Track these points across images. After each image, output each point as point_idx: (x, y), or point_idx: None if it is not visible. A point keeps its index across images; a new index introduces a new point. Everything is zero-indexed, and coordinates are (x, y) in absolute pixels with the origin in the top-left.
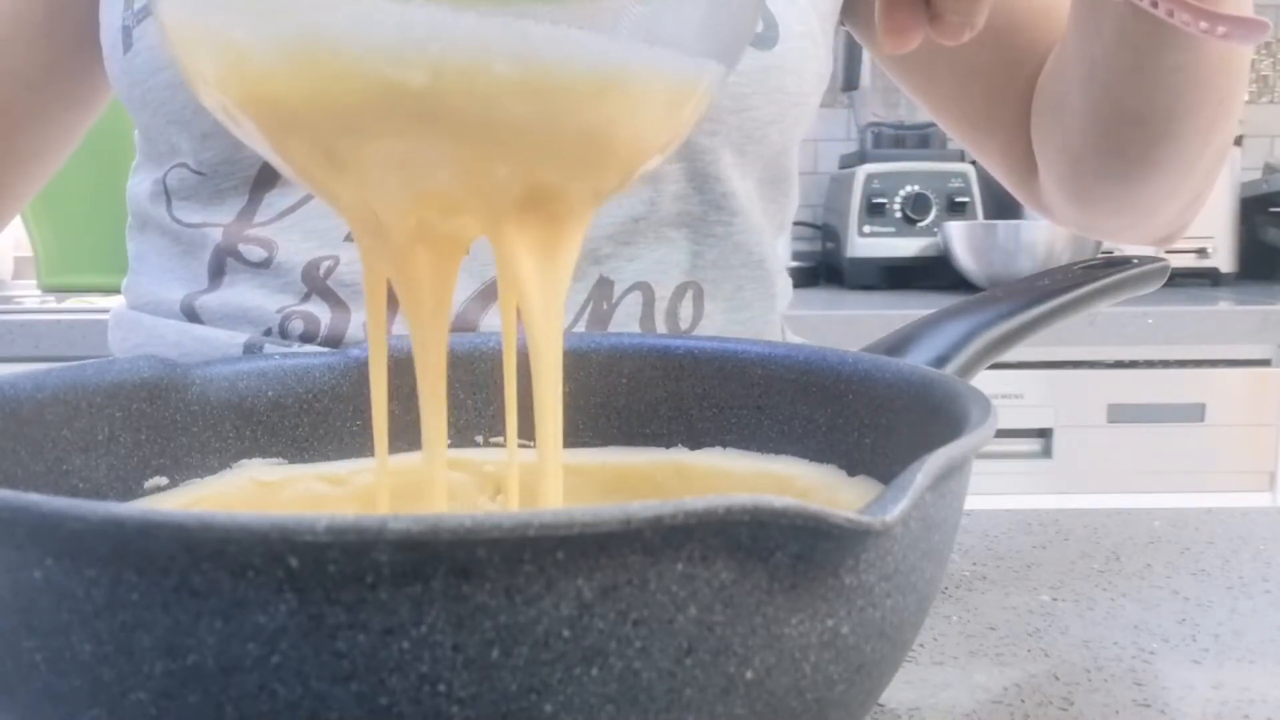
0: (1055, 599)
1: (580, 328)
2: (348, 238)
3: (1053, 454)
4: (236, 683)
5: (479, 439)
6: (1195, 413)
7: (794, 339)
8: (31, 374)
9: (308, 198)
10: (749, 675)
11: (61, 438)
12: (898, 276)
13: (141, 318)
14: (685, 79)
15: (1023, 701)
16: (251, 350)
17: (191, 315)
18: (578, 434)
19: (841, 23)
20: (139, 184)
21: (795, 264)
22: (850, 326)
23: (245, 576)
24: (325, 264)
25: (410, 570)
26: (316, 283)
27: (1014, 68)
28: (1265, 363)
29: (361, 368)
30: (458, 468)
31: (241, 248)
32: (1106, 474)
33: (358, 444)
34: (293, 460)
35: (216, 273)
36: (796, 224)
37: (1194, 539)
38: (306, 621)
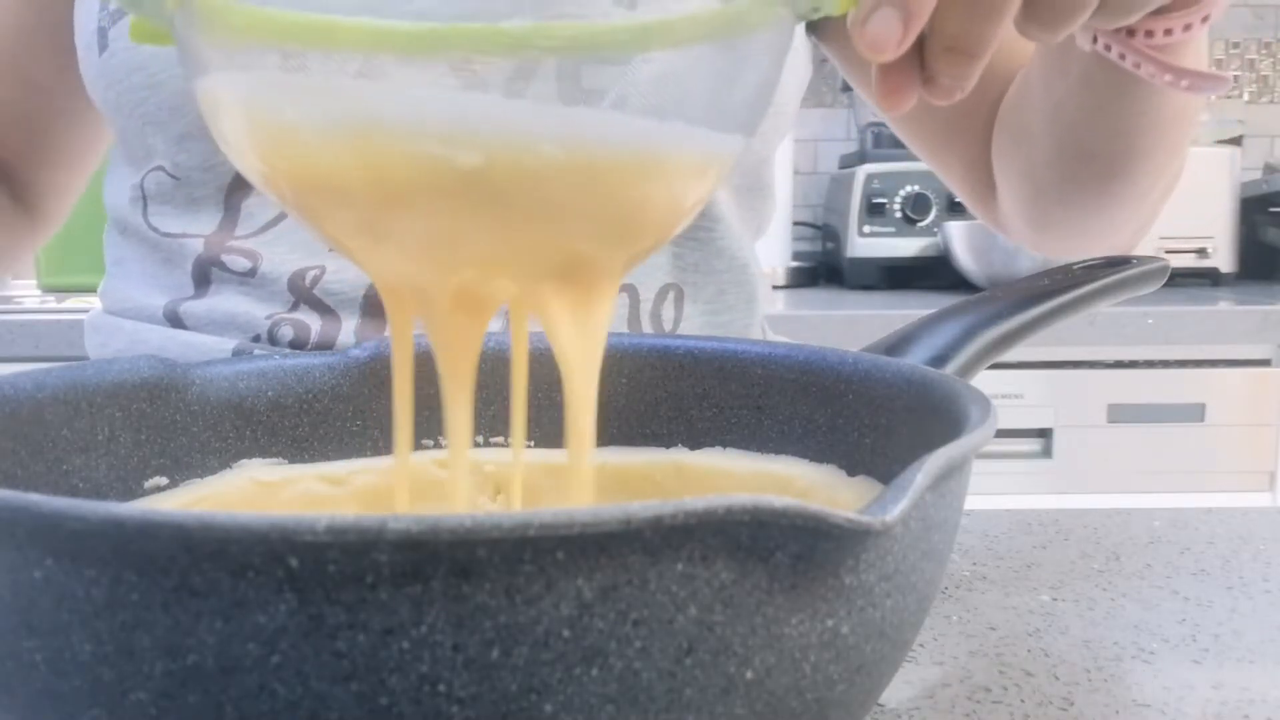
0: (1055, 599)
1: None
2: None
3: (1053, 454)
4: (236, 683)
5: (479, 439)
6: (1195, 413)
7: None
8: (31, 374)
9: None
10: (749, 675)
11: (61, 438)
12: (898, 276)
13: (122, 323)
14: (716, 154)
15: (1023, 701)
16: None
17: (176, 321)
18: None
19: (810, 32)
20: (117, 189)
21: (795, 264)
22: (850, 326)
23: (245, 576)
24: (311, 274)
25: (410, 570)
26: (303, 293)
27: (980, 91)
28: (1265, 363)
29: (361, 368)
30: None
31: (225, 258)
32: (1106, 474)
33: (358, 444)
34: (293, 460)
35: (201, 281)
36: (796, 224)
37: (1194, 539)
38: (306, 621)
